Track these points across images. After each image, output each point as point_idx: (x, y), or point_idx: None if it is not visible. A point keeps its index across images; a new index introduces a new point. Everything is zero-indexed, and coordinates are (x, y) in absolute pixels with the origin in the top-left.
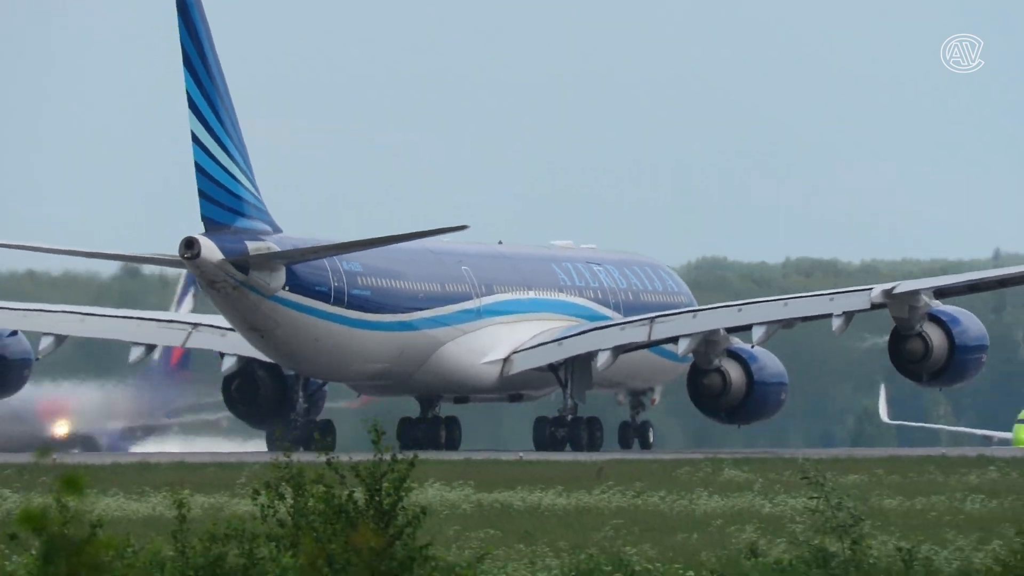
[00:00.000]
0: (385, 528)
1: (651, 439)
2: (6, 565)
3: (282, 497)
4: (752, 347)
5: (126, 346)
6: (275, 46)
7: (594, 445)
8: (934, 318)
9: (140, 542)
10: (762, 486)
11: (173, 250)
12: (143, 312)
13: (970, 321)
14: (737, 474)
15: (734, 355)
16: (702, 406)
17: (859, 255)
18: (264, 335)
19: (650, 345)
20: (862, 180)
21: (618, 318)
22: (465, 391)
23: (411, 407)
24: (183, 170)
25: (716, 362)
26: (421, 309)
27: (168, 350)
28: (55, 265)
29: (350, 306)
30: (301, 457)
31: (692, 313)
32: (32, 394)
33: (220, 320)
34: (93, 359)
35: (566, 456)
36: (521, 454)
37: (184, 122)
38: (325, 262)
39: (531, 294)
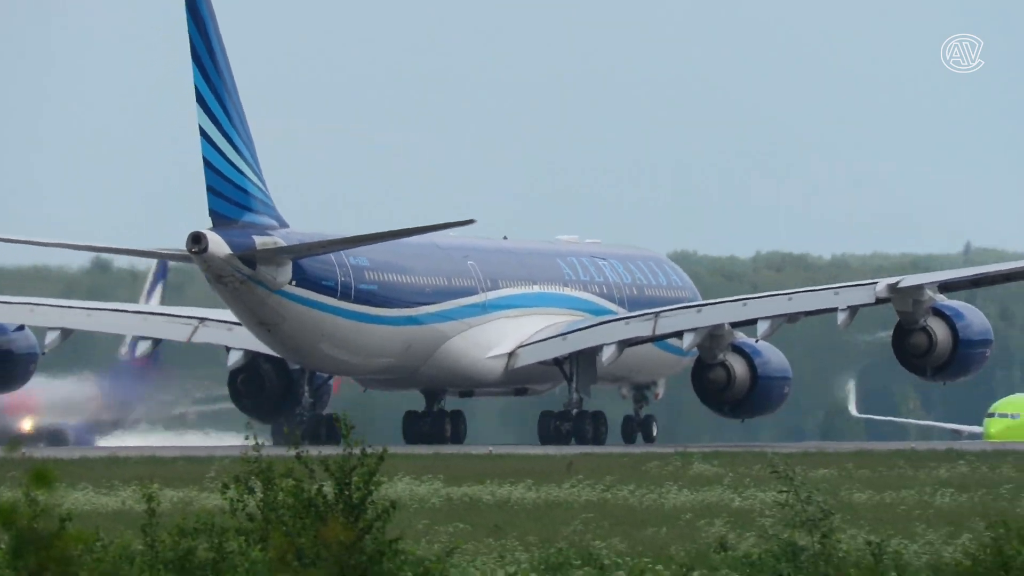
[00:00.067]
0: (354, 522)
1: (654, 433)
2: None
3: (251, 491)
4: (756, 341)
5: (99, 340)
6: (275, 46)
7: (599, 439)
8: (938, 312)
9: (109, 536)
10: (732, 480)
11: (173, 248)
12: (149, 307)
13: (974, 315)
14: (707, 468)
15: (738, 349)
16: (706, 400)
17: (829, 249)
18: (271, 329)
19: (655, 339)
20: (862, 180)
21: (622, 312)
22: (471, 385)
23: (416, 401)
24: (183, 169)
25: (720, 356)
26: (427, 304)
27: (134, 343)
28: (24, 259)
29: (357, 300)
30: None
31: (697, 308)
32: None
33: (227, 314)
34: (62, 354)
35: (536, 450)
36: (491, 448)
37: (186, 121)
38: (332, 257)
39: (536, 289)
